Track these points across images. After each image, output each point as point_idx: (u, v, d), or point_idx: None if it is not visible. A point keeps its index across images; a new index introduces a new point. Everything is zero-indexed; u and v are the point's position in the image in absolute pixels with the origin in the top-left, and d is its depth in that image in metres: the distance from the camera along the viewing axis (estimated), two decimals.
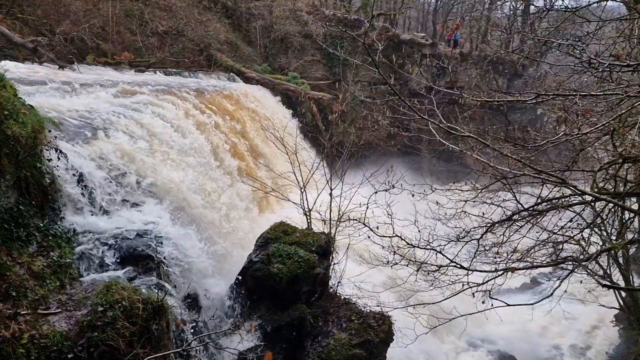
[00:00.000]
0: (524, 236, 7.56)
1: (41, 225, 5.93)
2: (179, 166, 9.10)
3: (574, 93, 5.86)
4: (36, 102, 7.41)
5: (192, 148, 10.19)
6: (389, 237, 6.89)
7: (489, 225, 6.92)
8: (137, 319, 5.18)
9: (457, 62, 26.65)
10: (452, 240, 7.19)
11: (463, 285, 6.36)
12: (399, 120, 16.25)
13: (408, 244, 6.71)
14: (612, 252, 9.21)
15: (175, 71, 18.04)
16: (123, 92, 10.92)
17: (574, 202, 6.67)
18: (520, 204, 6.63)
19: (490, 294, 6.22)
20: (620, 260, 10.29)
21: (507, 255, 7.51)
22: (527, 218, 7.01)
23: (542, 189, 6.88)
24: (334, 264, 9.38)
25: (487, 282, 6.36)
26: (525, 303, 6.39)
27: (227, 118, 13.40)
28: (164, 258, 6.68)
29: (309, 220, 9.75)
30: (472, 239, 7.05)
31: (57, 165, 6.38)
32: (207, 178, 10.10)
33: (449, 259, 6.20)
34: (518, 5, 31.30)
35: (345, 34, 23.39)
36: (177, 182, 8.51)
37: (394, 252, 7.03)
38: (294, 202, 10.12)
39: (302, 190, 9.97)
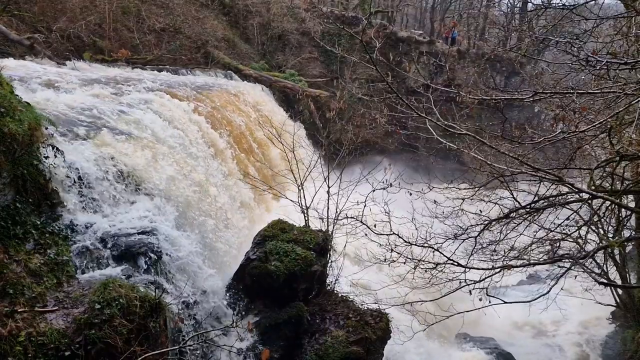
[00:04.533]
0: (521, 234, 7.58)
1: (38, 222, 5.92)
2: (178, 164, 9.07)
3: (571, 91, 5.89)
4: (31, 98, 7.38)
5: (191, 147, 10.17)
6: (387, 235, 6.90)
7: (486, 223, 6.93)
8: (135, 316, 5.18)
9: (454, 59, 26.64)
10: (450, 238, 7.20)
11: (460, 282, 6.38)
12: (397, 118, 16.25)
13: (405, 241, 6.72)
14: (609, 249, 9.26)
15: (172, 69, 17.96)
16: (120, 90, 10.87)
17: (571, 199, 6.69)
18: (518, 202, 6.64)
19: (487, 292, 6.24)
20: (617, 258, 10.34)
21: (504, 252, 7.53)
22: (524, 216, 7.02)
23: (539, 187, 6.89)
24: (332, 261, 9.38)
25: (484, 279, 6.40)
26: (522, 300, 6.41)
27: (223, 118, 13.38)
28: (162, 256, 6.67)
29: (306, 218, 9.74)
30: (470, 237, 7.06)
31: (54, 163, 6.36)
32: (207, 176, 10.06)
33: (446, 256, 6.23)
34: (516, 3, 31.38)
35: (342, 31, 23.35)
36: (176, 180, 8.49)
37: (392, 249, 7.03)
38: (291, 200, 10.10)
39: (300, 187, 9.94)
